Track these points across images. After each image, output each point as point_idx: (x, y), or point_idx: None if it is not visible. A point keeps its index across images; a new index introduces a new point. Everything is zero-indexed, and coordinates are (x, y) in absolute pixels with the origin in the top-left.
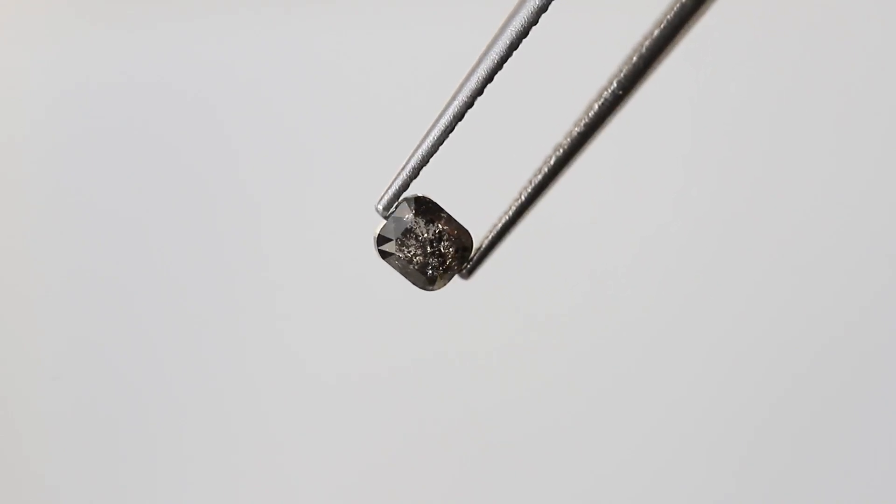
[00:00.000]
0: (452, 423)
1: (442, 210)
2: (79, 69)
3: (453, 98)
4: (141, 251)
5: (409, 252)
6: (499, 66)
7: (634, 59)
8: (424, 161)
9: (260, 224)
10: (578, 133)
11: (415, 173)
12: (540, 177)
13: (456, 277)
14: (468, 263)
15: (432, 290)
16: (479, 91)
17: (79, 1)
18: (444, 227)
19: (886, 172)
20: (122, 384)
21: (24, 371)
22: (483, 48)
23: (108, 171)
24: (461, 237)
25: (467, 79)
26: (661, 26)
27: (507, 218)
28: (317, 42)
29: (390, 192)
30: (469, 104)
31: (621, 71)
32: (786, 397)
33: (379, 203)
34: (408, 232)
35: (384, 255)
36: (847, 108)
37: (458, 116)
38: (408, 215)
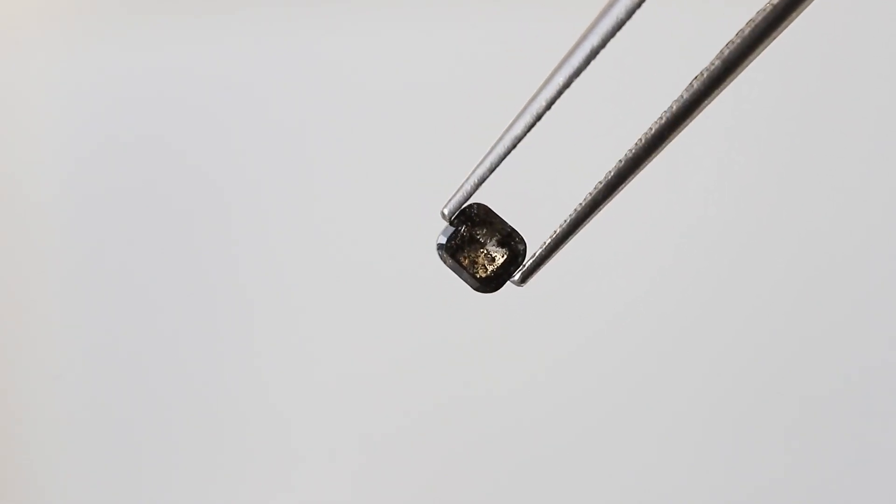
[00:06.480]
0: (454, 415)
1: (497, 216)
2: (82, 75)
3: (528, 105)
4: (152, 250)
5: (463, 254)
6: (576, 74)
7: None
8: (490, 170)
9: (271, 225)
10: (638, 149)
11: (481, 181)
12: (600, 188)
13: (509, 284)
14: (521, 269)
15: (485, 291)
16: (551, 101)
17: (81, 13)
18: (497, 232)
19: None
20: (130, 383)
21: (26, 371)
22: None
23: (118, 172)
24: (513, 241)
25: (542, 88)
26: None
27: (565, 226)
28: (327, 46)
29: (456, 199)
30: (539, 115)
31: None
32: (802, 395)
33: (445, 207)
34: (462, 237)
35: (442, 257)
36: (858, 108)
37: (529, 126)
38: (466, 222)
